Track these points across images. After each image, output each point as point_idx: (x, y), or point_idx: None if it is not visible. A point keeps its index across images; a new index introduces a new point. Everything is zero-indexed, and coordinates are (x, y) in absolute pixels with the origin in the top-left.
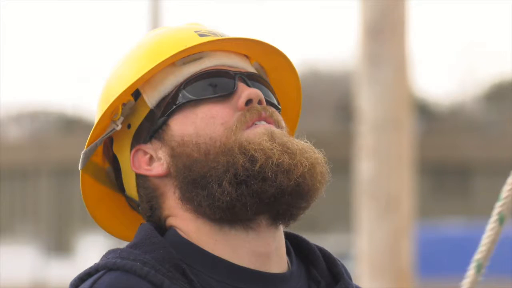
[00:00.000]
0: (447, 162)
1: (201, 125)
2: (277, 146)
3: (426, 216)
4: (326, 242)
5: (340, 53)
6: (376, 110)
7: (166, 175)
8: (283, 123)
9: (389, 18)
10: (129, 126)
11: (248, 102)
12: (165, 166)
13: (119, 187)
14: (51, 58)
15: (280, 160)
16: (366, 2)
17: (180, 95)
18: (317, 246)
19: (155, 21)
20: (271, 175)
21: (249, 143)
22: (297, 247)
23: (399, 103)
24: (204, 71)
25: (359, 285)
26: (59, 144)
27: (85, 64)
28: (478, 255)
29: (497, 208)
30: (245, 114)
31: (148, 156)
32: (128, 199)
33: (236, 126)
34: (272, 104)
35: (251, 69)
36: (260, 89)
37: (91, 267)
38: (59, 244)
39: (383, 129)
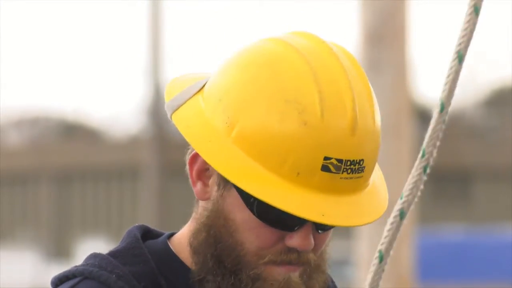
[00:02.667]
0: (447, 168)
1: (245, 229)
2: None
3: (426, 222)
4: None
5: None
6: None
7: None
8: (313, 261)
9: (390, 23)
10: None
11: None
12: (207, 195)
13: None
14: (52, 64)
15: None
16: (367, 7)
17: (252, 200)
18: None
19: (155, 22)
20: None
21: (259, 280)
22: None
23: (399, 109)
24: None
25: None
26: (60, 150)
27: (86, 69)
28: (380, 246)
29: (399, 205)
30: (282, 254)
31: (207, 167)
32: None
33: (268, 258)
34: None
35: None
36: (326, 230)
37: (69, 270)
38: (59, 250)
39: (383, 135)
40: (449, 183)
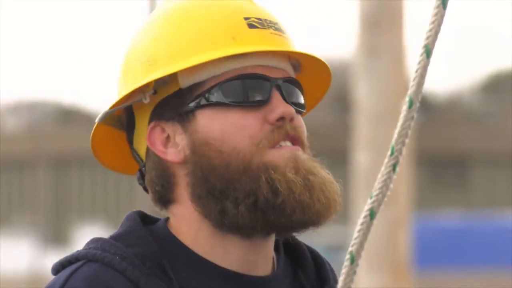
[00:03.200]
0: (445, 153)
1: (228, 131)
2: (300, 178)
3: (424, 207)
4: (323, 233)
5: (337, 44)
6: (374, 101)
7: (181, 164)
8: (306, 140)
9: (387, 9)
10: (155, 92)
11: (280, 118)
12: (181, 155)
13: (129, 138)
14: (49, 49)
15: (301, 197)
16: None
17: (215, 93)
18: (309, 248)
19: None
20: (289, 210)
21: (274, 170)
22: (288, 246)
23: (396, 94)
24: (245, 73)
25: (356, 277)
26: (57, 135)
27: (83, 55)
28: (350, 248)
29: (368, 204)
30: (274, 131)
31: (165, 135)
32: (134, 152)
33: (263, 142)
34: (299, 106)
35: (288, 69)
36: (294, 92)
37: (72, 255)
38: (57, 235)
39: (381, 120)
40: (447, 168)
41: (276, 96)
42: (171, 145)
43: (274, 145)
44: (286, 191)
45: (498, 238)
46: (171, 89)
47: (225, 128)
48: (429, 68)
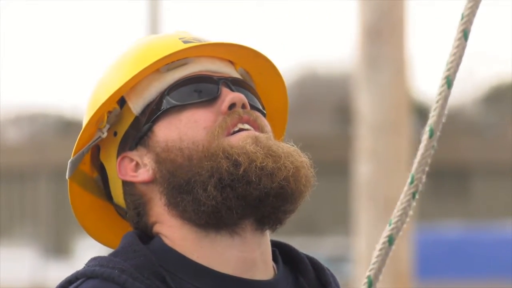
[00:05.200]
0: (446, 164)
1: (184, 129)
2: (261, 149)
3: (425, 218)
4: (325, 244)
5: (339, 55)
6: (375, 113)
7: (152, 181)
8: (268, 128)
9: (388, 20)
10: (115, 134)
11: (232, 106)
12: (150, 172)
13: (107, 195)
14: (50, 61)
15: (263, 164)
16: (365, 4)
17: (165, 101)
18: (306, 255)
19: (154, 22)
20: (255, 178)
21: (232, 147)
22: (285, 255)
23: (398, 105)
24: (188, 76)
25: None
26: (58, 147)
27: (84, 67)
28: (368, 272)
29: (387, 231)
30: (226, 118)
31: (134, 163)
32: (116, 207)
33: (218, 130)
34: (257, 109)
35: (235, 74)
36: (244, 95)
37: (71, 275)
38: (58, 246)
39: (382, 131)
40: (448, 179)
41: (225, 91)
42: (140, 167)
43: (229, 130)
44: (246, 161)
45: (500, 249)
46: (128, 121)
47: (181, 128)
48: (436, 84)
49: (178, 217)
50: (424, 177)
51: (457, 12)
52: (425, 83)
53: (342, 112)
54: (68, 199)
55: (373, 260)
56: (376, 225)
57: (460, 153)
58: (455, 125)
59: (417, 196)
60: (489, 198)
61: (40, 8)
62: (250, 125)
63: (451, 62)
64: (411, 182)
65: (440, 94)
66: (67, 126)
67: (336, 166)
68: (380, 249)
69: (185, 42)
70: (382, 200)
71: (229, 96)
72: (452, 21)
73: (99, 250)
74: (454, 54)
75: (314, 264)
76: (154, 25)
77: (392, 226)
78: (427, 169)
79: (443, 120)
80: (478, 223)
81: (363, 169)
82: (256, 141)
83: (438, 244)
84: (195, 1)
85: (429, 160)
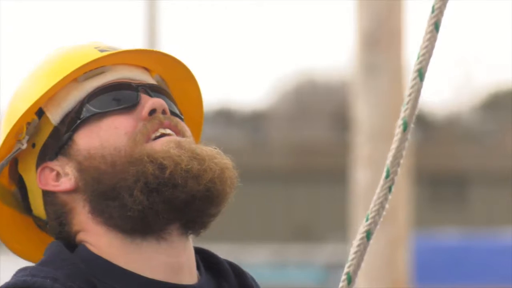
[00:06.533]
0: (444, 171)
1: (105, 136)
2: (185, 153)
3: (423, 225)
4: (322, 251)
5: (336, 62)
6: (373, 120)
7: (74, 190)
8: (188, 133)
9: (385, 27)
10: (33, 145)
11: (152, 112)
12: (73, 180)
13: (26, 208)
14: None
15: (189, 166)
16: (363, 12)
17: (84, 109)
18: (226, 260)
19: (151, 22)
20: (181, 181)
21: (156, 152)
22: (206, 261)
23: (395, 112)
24: (106, 84)
25: None
26: None
27: None
28: (347, 269)
29: (365, 226)
30: (146, 124)
31: (54, 172)
32: (36, 219)
33: (139, 136)
34: (176, 115)
35: (152, 81)
36: (162, 98)
37: (1, 287)
38: None
39: (380, 139)
40: (445, 186)
41: (145, 97)
42: (61, 177)
43: (149, 136)
44: (171, 164)
45: (498, 257)
46: (47, 132)
47: (102, 135)
48: (425, 88)
49: (103, 224)
50: (399, 170)
51: (454, 18)
52: (422, 91)
53: (340, 119)
54: None
55: (351, 256)
56: (376, 233)
57: (458, 160)
58: (453, 132)
59: (393, 190)
60: (487, 206)
61: (40, 8)
62: (172, 130)
63: (423, 54)
64: (387, 176)
65: (412, 87)
66: None
67: (334, 173)
68: (358, 245)
69: (101, 51)
70: None
71: (149, 102)
72: (449, 28)
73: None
74: (426, 47)
75: (235, 269)
76: (151, 25)
77: (370, 221)
78: (402, 162)
79: (416, 112)
80: (476, 230)
81: (361, 176)
82: (179, 145)
83: (435, 251)
84: (193, 3)
85: (404, 153)
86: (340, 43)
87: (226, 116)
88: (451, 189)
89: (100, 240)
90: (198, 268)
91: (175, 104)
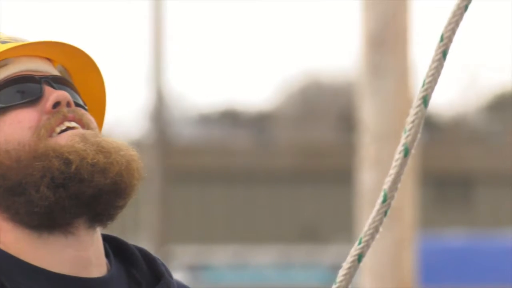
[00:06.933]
0: (450, 172)
1: (8, 131)
2: (90, 146)
3: (428, 226)
4: (328, 252)
5: (342, 63)
6: (378, 121)
7: None
8: (94, 124)
9: (392, 28)
10: None
11: (56, 105)
12: None
13: None
14: None
15: (95, 160)
16: (368, 13)
17: None
18: (136, 247)
19: (157, 21)
20: (87, 176)
21: (61, 146)
22: (116, 249)
23: (401, 114)
24: (9, 77)
25: None
26: None
27: None
28: (339, 278)
29: (357, 249)
30: (50, 118)
31: None
32: None
33: (42, 130)
34: (79, 106)
35: (55, 72)
36: (67, 92)
37: None
38: None
39: (385, 140)
40: (451, 187)
41: (48, 89)
42: None
43: (53, 130)
44: (77, 158)
45: (503, 257)
46: None
47: (5, 129)
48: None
49: (9, 220)
50: (396, 194)
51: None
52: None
53: (346, 121)
54: None
55: (339, 278)
56: (379, 233)
57: (464, 161)
58: (459, 133)
59: (388, 214)
60: (493, 207)
61: (43, 14)
62: (76, 123)
63: (429, 82)
64: (384, 201)
65: (416, 114)
66: None
67: (339, 174)
68: (348, 267)
69: (2, 42)
70: None
71: (53, 95)
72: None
73: None
74: (432, 74)
75: (145, 255)
76: (157, 26)
77: (362, 244)
78: (399, 186)
79: (418, 138)
80: (482, 231)
81: (366, 177)
82: (84, 138)
83: (441, 252)
84: (199, 3)
85: (401, 178)
86: (346, 44)
87: (232, 117)
88: (457, 190)
89: (7, 236)
90: (108, 256)
91: (79, 95)
